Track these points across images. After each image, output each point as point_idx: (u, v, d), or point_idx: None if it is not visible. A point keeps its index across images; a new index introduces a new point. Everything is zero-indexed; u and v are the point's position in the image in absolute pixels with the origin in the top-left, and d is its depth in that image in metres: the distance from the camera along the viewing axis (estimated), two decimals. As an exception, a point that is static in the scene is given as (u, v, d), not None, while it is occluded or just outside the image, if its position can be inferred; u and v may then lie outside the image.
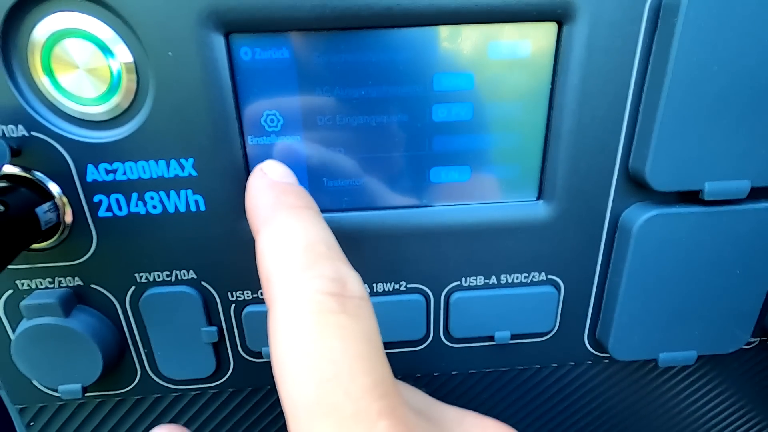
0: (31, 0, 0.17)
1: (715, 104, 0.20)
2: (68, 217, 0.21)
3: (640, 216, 0.22)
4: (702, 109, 0.20)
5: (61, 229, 0.21)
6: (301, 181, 0.22)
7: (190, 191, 0.21)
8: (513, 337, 0.25)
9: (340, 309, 0.14)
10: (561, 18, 0.19)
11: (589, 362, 0.27)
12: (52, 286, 0.22)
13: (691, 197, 0.22)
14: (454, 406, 0.18)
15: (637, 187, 0.22)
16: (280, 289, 0.14)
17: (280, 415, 0.27)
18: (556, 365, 0.27)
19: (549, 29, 0.20)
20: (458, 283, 0.24)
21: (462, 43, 0.20)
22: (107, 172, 0.20)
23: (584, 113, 0.21)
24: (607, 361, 0.27)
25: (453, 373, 0.27)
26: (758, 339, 0.28)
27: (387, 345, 0.25)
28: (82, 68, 0.19)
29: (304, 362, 0.13)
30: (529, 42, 0.20)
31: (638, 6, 0.19)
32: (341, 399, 0.12)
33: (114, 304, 0.23)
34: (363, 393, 0.12)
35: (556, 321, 0.25)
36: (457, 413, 0.16)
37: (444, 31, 0.20)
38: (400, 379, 0.26)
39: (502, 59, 0.20)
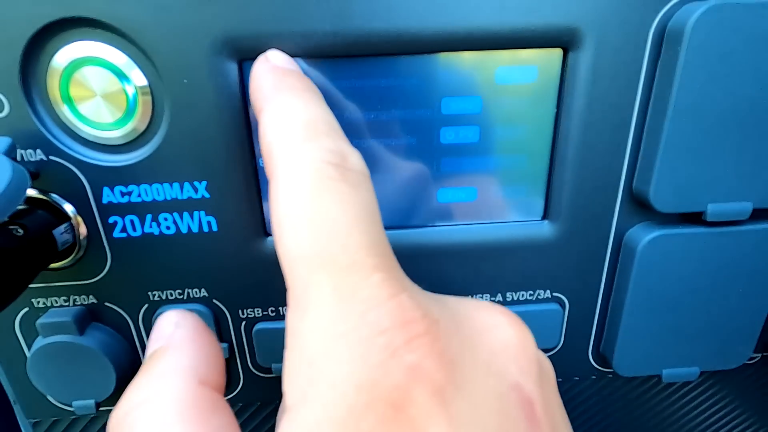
0: (50, 30, 0.18)
1: (718, 128, 0.20)
2: (84, 238, 0.21)
3: (644, 236, 0.22)
4: (704, 132, 0.20)
5: (76, 249, 0.21)
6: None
7: (203, 212, 0.21)
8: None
9: (340, 177, 0.14)
10: (566, 44, 0.20)
11: (594, 377, 0.27)
12: (67, 304, 0.23)
13: (694, 218, 0.22)
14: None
15: (640, 207, 0.23)
16: (281, 158, 0.14)
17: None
18: (561, 380, 0.27)
19: (555, 55, 0.20)
20: (465, 300, 0.24)
21: (470, 68, 0.20)
22: (122, 194, 0.21)
23: (589, 136, 0.21)
24: (611, 376, 0.27)
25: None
26: (760, 354, 0.28)
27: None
28: (99, 94, 0.19)
29: (303, 219, 0.13)
30: (536, 67, 0.21)
31: (642, 33, 0.20)
32: (338, 251, 0.12)
33: (127, 322, 0.23)
34: (359, 248, 0.13)
35: (561, 337, 0.26)
36: (456, 297, 0.16)
37: (452, 56, 0.20)
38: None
39: (509, 84, 0.21)
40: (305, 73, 0.20)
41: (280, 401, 0.26)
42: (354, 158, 0.15)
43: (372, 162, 0.22)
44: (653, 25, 0.19)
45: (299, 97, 0.16)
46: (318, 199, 0.13)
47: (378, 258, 0.13)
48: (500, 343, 0.14)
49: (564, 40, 0.20)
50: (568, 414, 0.29)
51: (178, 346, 0.15)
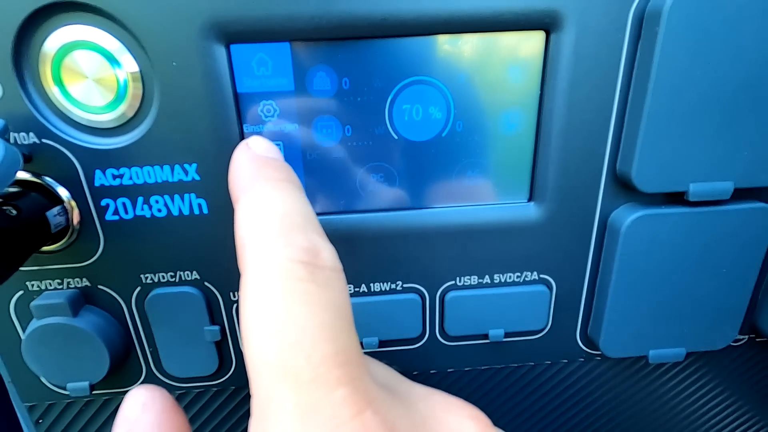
0: (42, 14, 0.18)
1: (698, 108, 0.21)
2: (77, 221, 0.21)
3: (627, 216, 0.23)
4: (685, 113, 0.21)
5: (69, 232, 0.22)
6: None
7: (193, 195, 0.21)
8: (507, 335, 0.26)
9: (309, 278, 0.14)
10: (548, 27, 0.20)
11: (582, 359, 0.28)
12: (60, 287, 0.23)
13: (677, 198, 0.23)
14: (423, 385, 0.18)
15: (624, 188, 0.23)
16: (252, 254, 0.14)
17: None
18: (549, 362, 0.28)
19: (537, 38, 0.21)
20: (453, 282, 0.25)
21: (455, 49, 0.21)
22: (114, 177, 0.21)
23: (572, 118, 0.22)
24: (599, 358, 0.28)
25: (449, 370, 0.27)
26: (747, 336, 0.28)
27: (384, 343, 0.26)
28: (90, 78, 0.20)
29: (269, 326, 0.13)
30: (519, 49, 0.21)
31: (622, 15, 0.20)
32: (302, 364, 0.12)
33: (120, 304, 0.24)
34: (323, 360, 0.12)
35: (548, 319, 0.26)
36: (424, 390, 0.16)
37: (438, 38, 0.21)
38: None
39: (493, 65, 0.21)
40: (294, 60, 0.20)
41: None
42: (326, 254, 0.15)
43: (360, 145, 0.22)
44: (632, 7, 0.20)
45: (276, 189, 0.16)
46: (285, 304, 0.13)
47: (343, 369, 0.13)
48: None
49: (545, 23, 0.20)
50: (558, 397, 0.29)
51: None
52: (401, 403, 0.14)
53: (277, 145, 0.22)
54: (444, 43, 0.21)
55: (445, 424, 0.14)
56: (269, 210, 0.15)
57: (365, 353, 0.18)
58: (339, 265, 0.15)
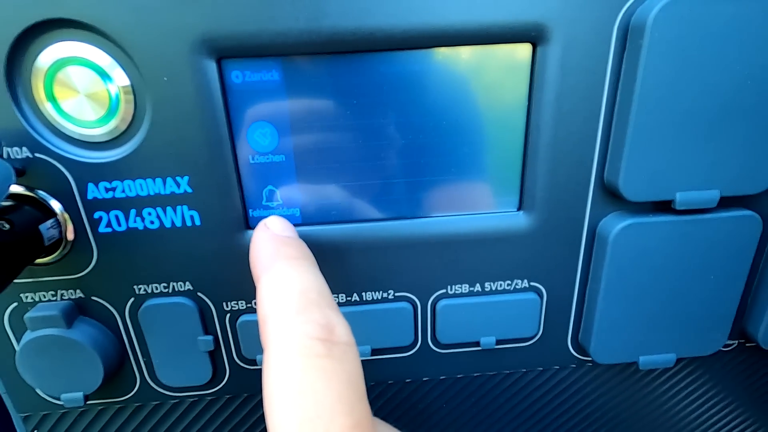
0: (34, 31, 0.19)
1: (683, 118, 0.21)
2: (70, 233, 0.22)
3: (615, 225, 0.23)
4: (671, 123, 0.21)
5: (63, 244, 0.22)
6: (293, 197, 0.23)
7: (185, 207, 0.22)
8: (498, 342, 0.26)
9: (326, 353, 0.15)
10: (535, 40, 0.21)
11: (573, 366, 0.28)
12: (54, 298, 0.23)
13: (664, 207, 0.23)
14: None
15: (612, 197, 0.23)
16: (273, 331, 0.16)
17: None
18: (541, 369, 0.28)
19: (524, 50, 0.21)
20: (444, 291, 0.25)
21: (444, 62, 0.21)
22: (107, 190, 0.21)
23: (560, 128, 0.22)
24: (590, 364, 0.28)
25: (441, 377, 0.28)
26: (737, 341, 0.28)
27: (376, 351, 0.26)
28: (82, 93, 0.20)
29: (290, 401, 0.14)
30: (506, 62, 0.21)
31: (607, 28, 0.20)
32: None
33: (114, 315, 0.24)
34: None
35: (539, 326, 0.26)
36: None
37: (427, 51, 0.21)
38: (390, 384, 0.27)
39: (481, 77, 0.21)
40: (284, 73, 0.20)
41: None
42: (341, 329, 0.16)
43: (351, 156, 0.22)
44: (617, 20, 0.20)
45: (293, 267, 0.18)
46: (305, 380, 0.14)
47: None
48: None
49: (532, 36, 0.20)
50: (549, 404, 0.30)
51: None
52: None
53: (270, 156, 0.22)
54: (433, 55, 0.21)
55: None
56: (288, 287, 0.17)
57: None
58: (352, 339, 0.16)
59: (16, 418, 0.26)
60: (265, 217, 0.22)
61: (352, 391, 0.15)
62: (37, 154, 0.20)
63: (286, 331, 0.16)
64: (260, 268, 0.18)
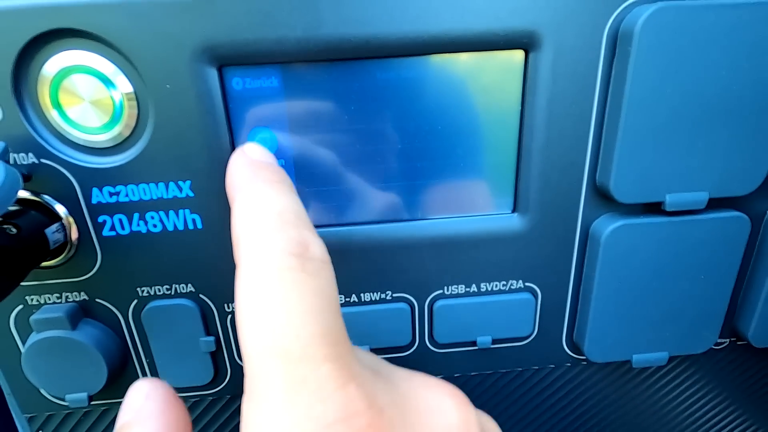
0: (40, 41, 0.19)
1: (672, 122, 0.21)
2: (75, 237, 0.22)
3: (607, 226, 0.24)
4: (660, 126, 0.21)
5: (68, 247, 0.22)
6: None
7: (188, 211, 0.22)
8: (494, 341, 0.27)
9: (300, 267, 0.15)
10: (527, 46, 0.21)
11: (568, 364, 0.29)
12: (59, 301, 0.24)
13: (655, 208, 0.24)
14: (405, 368, 0.19)
15: (604, 199, 0.24)
16: (247, 247, 0.15)
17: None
18: (536, 368, 0.29)
19: (517, 56, 0.22)
20: (441, 291, 0.25)
21: (438, 68, 0.22)
22: (111, 194, 0.22)
23: (552, 132, 0.22)
24: (584, 363, 0.29)
25: (439, 377, 0.28)
26: (728, 340, 0.29)
27: (375, 351, 0.26)
28: (87, 100, 0.20)
29: (262, 309, 0.14)
30: (500, 68, 0.22)
31: (597, 35, 0.21)
32: (291, 342, 0.13)
33: (117, 317, 0.24)
34: (312, 339, 0.13)
35: (534, 326, 0.27)
36: (406, 372, 0.17)
37: (421, 58, 0.21)
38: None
39: (475, 83, 0.22)
40: (283, 79, 0.21)
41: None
42: (315, 247, 0.16)
43: (350, 161, 0.23)
44: (607, 27, 0.21)
45: (270, 188, 0.17)
46: (277, 290, 0.14)
47: (330, 348, 0.14)
48: (443, 426, 0.15)
49: (524, 42, 0.21)
50: (545, 402, 0.30)
51: (145, 420, 0.16)
52: (383, 381, 0.15)
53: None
54: (428, 62, 0.21)
55: (424, 401, 0.15)
56: (264, 207, 0.17)
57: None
58: (327, 258, 0.16)
59: (21, 419, 0.27)
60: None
61: (325, 303, 0.14)
62: (42, 160, 0.21)
63: (260, 247, 0.15)
64: (235, 189, 0.18)
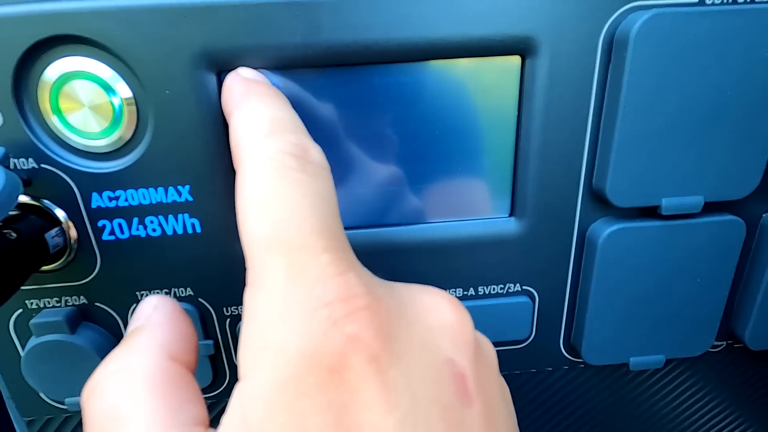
0: (41, 47, 0.19)
1: (668, 127, 0.22)
2: (74, 241, 0.22)
3: (604, 230, 0.24)
4: (655, 131, 0.22)
5: (67, 252, 0.22)
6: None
7: (186, 215, 0.22)
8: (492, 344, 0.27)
9: (299, 168, 0.15)
10: (523, 52, 0.21)
11: (566, 367, 0.29)
12: (59, 305, 0.24)
13: (651, 212, 0.24)
14: None
15: (600, 203, 0.24)
16: (246, 149, 0.16)
17: (275, 423, 0.28)
18: (534, 371, 0.29)
19: (514, 62, 0.22)
20: (439, 295, 0.26)
21: (435, 74, 0.22)
22: (110, 199, 0.22)
23: (549, 137, 0.23)
24: (582, 366, 0.29)
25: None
26: (725, 342, 0.29)
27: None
28: (87, 106, 0.20)
29: (263, 205, 0.14)
30: (496, 73, 0.22)
31: (593, 40, 0.21)
32: (292, 233, 0.13)
33: (117, 321, 0.24)
34: (312, 231, 0.14)
35: (532, 329, 0.27)
36: (403, 283, 0.17)
37: (419, 63, 0.22)
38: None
39: (472, 88, 0.22)
40: (282, 86, 0.21)
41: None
42: (314, 152, 0.16)
43: (348, 166, 0.23)
44: (602, 33, 0.21)
45: (266, 100, 0.18)
46: (278, 186, 0.14)
47: (329, 241, 0.14)
48: (438, 322, 0.15)
49: (521, 48, 0.21)
50: (543, 404, 0.30)
51: (154, 326, 0.16)
52: (381, 281, 0.15)
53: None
54: (425, 67, 0.22)
55: (420, 301, 0.15)
56: (262, 115, 0.17)
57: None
58: (326, 164, 0.16)
59: (20, 423, 0.27)
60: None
61: (325, 204, 0.15)
62: (42, 165, 0.21)
63: (260, 147, 0.15)
64: (232, 104, 0.18)
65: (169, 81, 0.20)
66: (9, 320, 0.24)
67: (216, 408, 0.27)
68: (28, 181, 0.21)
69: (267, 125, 0.16)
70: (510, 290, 0.26)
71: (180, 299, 0.24)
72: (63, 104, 0.20)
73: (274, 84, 0.21)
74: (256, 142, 0.16)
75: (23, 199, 0.21)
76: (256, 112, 0.17)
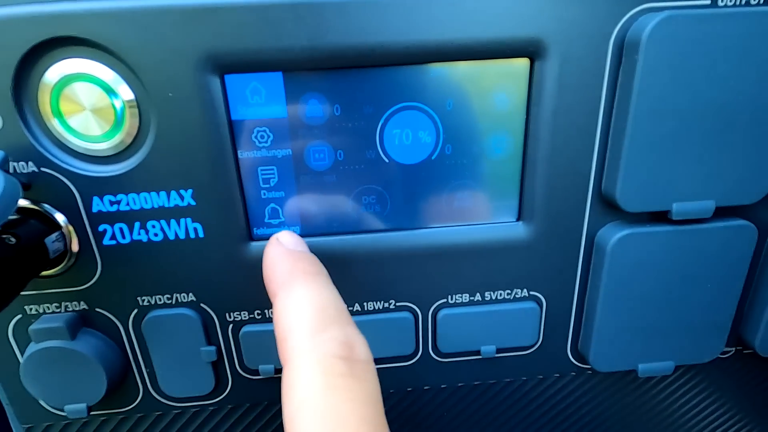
0: (41, 49, 0.19)
1: (678, 131, 0.21)
2: (75, 246, 0.22)
3: (613, 235, 0.23)
4: (666, 135, 0.21)
5: (67, 256, 0.22)
6: (294, 210, 0.23)
7: (189, 219, 0.22)
8: (498, 351, 0.26)
9: (348, 372, 0.15)
10: (532, 55, 0.21)
11: (573, 374, 0.28)
12: (58, 310, 0.23)
13: (661, 217, 0.23)
14: None
15: (610, 208, 0.24)
16: (293, 349, 0.16)
17: (277, 430, 0.28)
18: (541, 377, 0.28)
19: (522, 65, 0.21)
20: (445, 300, 0.25)
21: (444, 76, 0.21)
22: (111, 203, 0.21)
23: (558, 141, 0.22)
24: (589, 372, 0.28)
25: (442, 386, 0.28)
26: (734, 348, 0.29)
27: (379, 361, 0.26)
28: (88, 108, 0.20)
29: (314, 421, 0.14)
30: (505, 76, 0.22)
31: (603, 43, 0.21)
32: None
33: (118, 327, 0.24)
34: None
35: (539, 335, 0.27)
36: None
37: (427, 66, 0.21)
38: (391, 392, 0.28)
39: (480, 91, 0.22)
40: (286, 89, 0.21)
41: (268, 402, 0.27)
42: (360, 347, 0.16)
43: (353, 168, 0.23)
44: (613, 36, 0.21)
45: (311, 283, 0.18)
46: (329, 400, 0.14)
47: None
48: None
49: (529, 51, 0.21)
50: (550, 411, 0.30)
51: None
52: None
53: (271, 169, 0.22)
54: (433, 70, 0.21)
55: None
56: (307, 304, 0.17)
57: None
58: (371, 356, 0.17)
59: (18, 430, 0.26)
60: (267, 228, 0.22)
61: (374, 411, 0.15)
62: (43, 169, 0.21)
63: (308, 348, 0.16)
64: (276, 284, 0.18)
65: (172, 83, 0.20)
66: (8, 326, 0.23)
67: (218, 415, 0.27)
68: (28, 184, 0.21)
69: (314, 319, 0.16)
70: (517, 296, 0.25)
71: (182, 305, 0.24)
72: (64, 107, 0.20)
73: (276, 95, 0.21)
74: (304, 340, 0.16)
75: (23, 203, 0.21)
76: (303, 302, 0.17)
